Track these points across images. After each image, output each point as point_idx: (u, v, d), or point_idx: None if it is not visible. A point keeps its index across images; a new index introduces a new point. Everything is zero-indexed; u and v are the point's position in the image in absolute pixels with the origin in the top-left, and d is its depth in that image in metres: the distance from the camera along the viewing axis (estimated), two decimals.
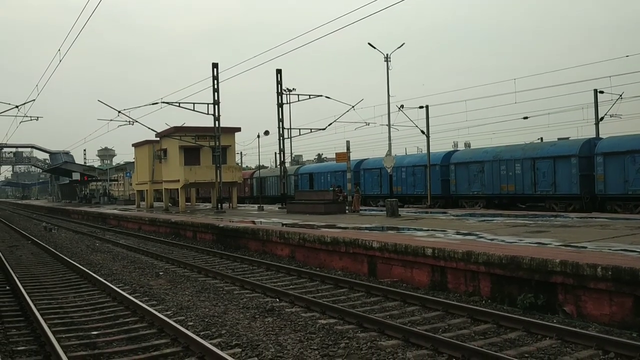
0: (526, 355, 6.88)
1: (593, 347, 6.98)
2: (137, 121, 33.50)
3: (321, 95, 33.34)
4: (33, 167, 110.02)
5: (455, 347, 6.94)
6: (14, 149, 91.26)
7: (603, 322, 8.33)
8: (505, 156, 29.33)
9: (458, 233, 14.51)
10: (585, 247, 10.71)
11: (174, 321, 8.56)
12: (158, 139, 37.79)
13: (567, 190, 26.16)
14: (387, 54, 31.10)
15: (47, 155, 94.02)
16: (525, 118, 40.77)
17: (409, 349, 7.23)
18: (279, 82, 32.34)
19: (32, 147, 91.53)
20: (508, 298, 9.74)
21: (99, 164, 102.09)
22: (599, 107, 33.63)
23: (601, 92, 33.60)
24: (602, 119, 33.41)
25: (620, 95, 33.41)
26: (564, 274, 8.87)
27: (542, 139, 43.63)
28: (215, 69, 31.59)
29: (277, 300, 10.54)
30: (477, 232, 14.49)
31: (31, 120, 37.01)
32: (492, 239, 12.76)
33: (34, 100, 32.29)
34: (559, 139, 35.43)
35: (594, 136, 30.15)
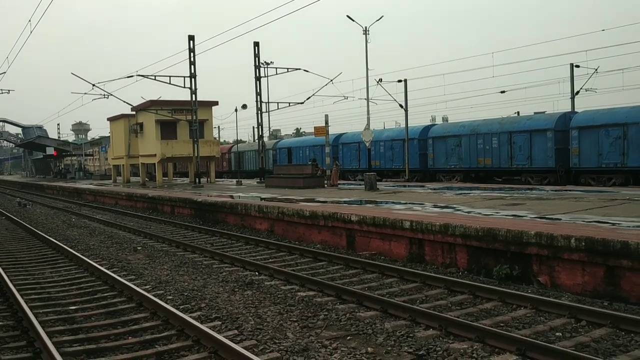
0: (502, 324, 7.02)
1: (566, 315, 7.17)
2: (112, 94, 32.95)
3: (299, 69, 33.03)
4: (5, 141, 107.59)
5: (432, 318, 7.07)
6: None
7: (576, 291, 8.55)
8: (482, 130, 29.56)
9: (435, 206, 14.66)
10: (560, 219, 10.91)
11: (153, 295, 8.54)
12: (134, 112, 37.13)
13: (542, 163, 26.55)
14: (365, 27, 30.83)
15: (19, 130, 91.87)
16: (503, 92, 41.14)
17: (387, 320, 7.33)
18: (257, 55, 31.89)
19: (4, 121, 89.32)
20: (484, 269, 9.92)
21: (74, 139, 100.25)
22: (574, 81, 33.97)
23: (577, 66, 33.89)
24: (577, 93, 33.76)
25: (596, 70, 33.78)
26: (538, 245, 9.04)
27: (518, 113, 44.08)
28: (191, 41, 31.02)
29: (257, 273, 10.58)
30: (454, 205, 14.65)
31: (2, 93, 36.15)
32: (469, 212, 12.91)
33: (5, 72, 31.50)
34: (535, 113, 35.74)
35: (570, 110, 30.47)
